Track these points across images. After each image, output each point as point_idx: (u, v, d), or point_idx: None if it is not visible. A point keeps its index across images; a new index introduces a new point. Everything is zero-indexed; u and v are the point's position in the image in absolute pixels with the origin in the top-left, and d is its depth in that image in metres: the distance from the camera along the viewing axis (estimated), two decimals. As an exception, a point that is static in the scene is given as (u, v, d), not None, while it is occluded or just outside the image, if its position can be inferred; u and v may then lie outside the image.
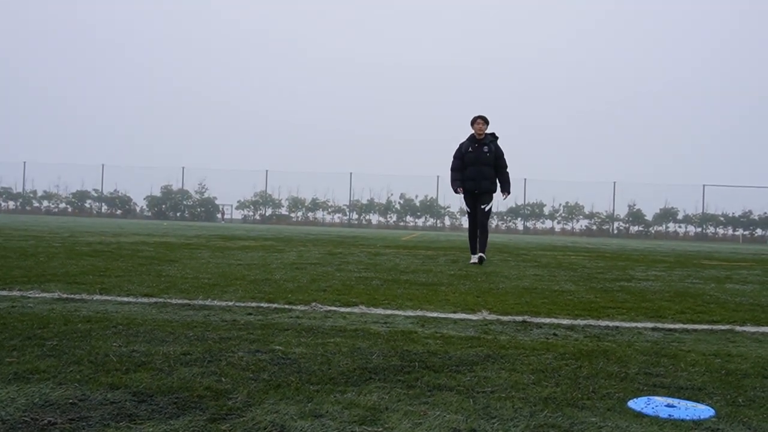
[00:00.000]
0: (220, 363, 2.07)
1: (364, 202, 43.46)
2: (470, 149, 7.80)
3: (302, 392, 1.77)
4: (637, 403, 1.76)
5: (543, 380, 2.01)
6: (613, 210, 42.27)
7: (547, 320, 3.28)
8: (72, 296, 3.52)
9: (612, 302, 4.08)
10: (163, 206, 44.05)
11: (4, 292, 3.58)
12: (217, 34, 79.68)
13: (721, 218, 41.45)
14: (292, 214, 43.89)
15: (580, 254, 11.33)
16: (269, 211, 43.96)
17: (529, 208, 42.61)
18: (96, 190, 44.15)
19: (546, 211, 42.68)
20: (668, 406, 1.74)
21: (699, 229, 41.38)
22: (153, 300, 3.49)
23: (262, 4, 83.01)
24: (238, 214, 44.76)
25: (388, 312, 3.36)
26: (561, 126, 71.54)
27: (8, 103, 70.42)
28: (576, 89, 74.03)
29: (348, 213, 43.75)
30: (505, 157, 7.87)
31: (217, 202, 44.70)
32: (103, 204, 44.30)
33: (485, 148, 7.74)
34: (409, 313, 3.36)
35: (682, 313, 3.67)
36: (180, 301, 3.46)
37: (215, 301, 3.50)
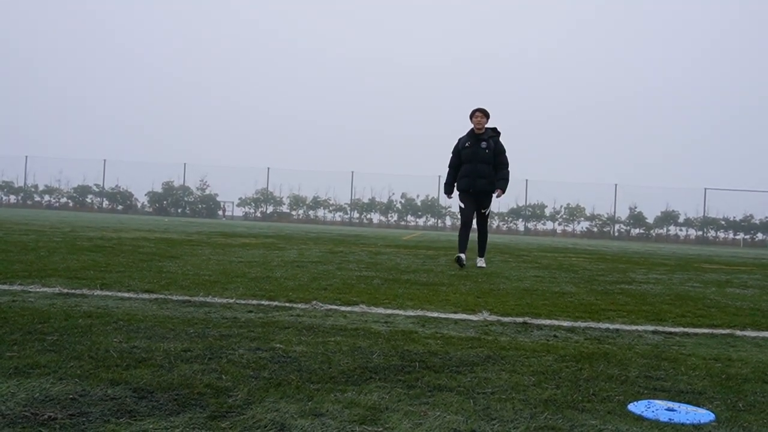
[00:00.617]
0: (220, 360, 2.07)
1: (366, 201, 43.47)
2: (467, 144, 7.10)
3: (302, 391, 1.77)
4: (637, 407, 1.76)
5: (543, 382, 2.00)
6: (614, 212, 42.26)
7: (548, 322, 3.28)
8: (73, 291, 3.52)
9: (613, 305, 4.07)
10: (165, 202, 44.06)
11: (5, 287, 3.59)
12: (219, 32, 79.67)
13: (722, 222, 41.42)
14: (294, 212, 43.90)
15: (581, 256, 11.33)
16: (270, 209, 43.97)
17: (530, 209, 42.59)
18: (97, 186, 44.19)
19: (547, 212, 42.68)
20: (668, 409, 1.74)
21: (700, 233, 41.35)
22: (154, 296, 3.49)
23: (264, 4, 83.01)
24: (239, 211, 44.79)
25: (389, 311, 3.36)
26: (563, 127, 71.49)
27: (11, 97, 70.48)
28: (578, 89, 73.98)
29: (349, 212, 43.75)
30: (507, 155, 7.13)
31: (218, 198, 44.73)
32: (104, 199, 44.32)
33: (483, 144, 7.02)
34: (410, 312, 3.36)
35: (683, 317, 3.66)
36: (181, 298, 3.46)
37: (216, 298, 3.50)
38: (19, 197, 43.70)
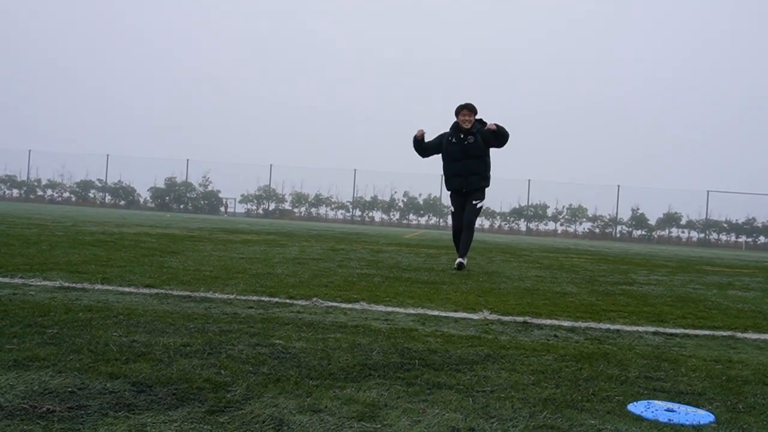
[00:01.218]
0: (220, 355, 2.07)
1: (368, 199, 43.47)
2: (453, 140, 6.62)
3: (301, 387, 1.77)
4: (636, 407, 1.76)
5: (543, 381, 2.00)
6: (617, 213, 42.21)
7: (548, 321, 3.27)
8: (73, 285, 3.52)
9: (613, 305, 4.07)
10: (167, 198, 44.11)
11: (6, 280, 3.59)
12: (224, 28, 79.68)
13: (725, 225, 41.36)
14: (295, 209, 43.92)
15: (583, 257, 11.32)
16: (272, 206, 44.00)
17: (532, 209, 42.56)
18: (100, 180, 44.25)
19: (549, 212, 42.65)
20: (668, 410, 1.74)
21: (702, 235, 41.29)
22: (154, 291, 3.49)
23: (267, 4, 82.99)
24: (241, 208, 44.83)
25: (389, 309, 3.36)
26: (566, 128, 71.40)
27: (14, 91, 70.59)
28: (583, 91, 73.86)
29: (351, 210, 43.75)
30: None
31: (220, 195, 44.75)
32: (106, 194, 44.37)
33: (471, 138, 6.55)
34: (410, 310, 3.35)
35: (684, 318, 3.65)
36: (181, 293, 3.46)
37: (216, 294, 3.50)
38: (22, 191, 43.77)
